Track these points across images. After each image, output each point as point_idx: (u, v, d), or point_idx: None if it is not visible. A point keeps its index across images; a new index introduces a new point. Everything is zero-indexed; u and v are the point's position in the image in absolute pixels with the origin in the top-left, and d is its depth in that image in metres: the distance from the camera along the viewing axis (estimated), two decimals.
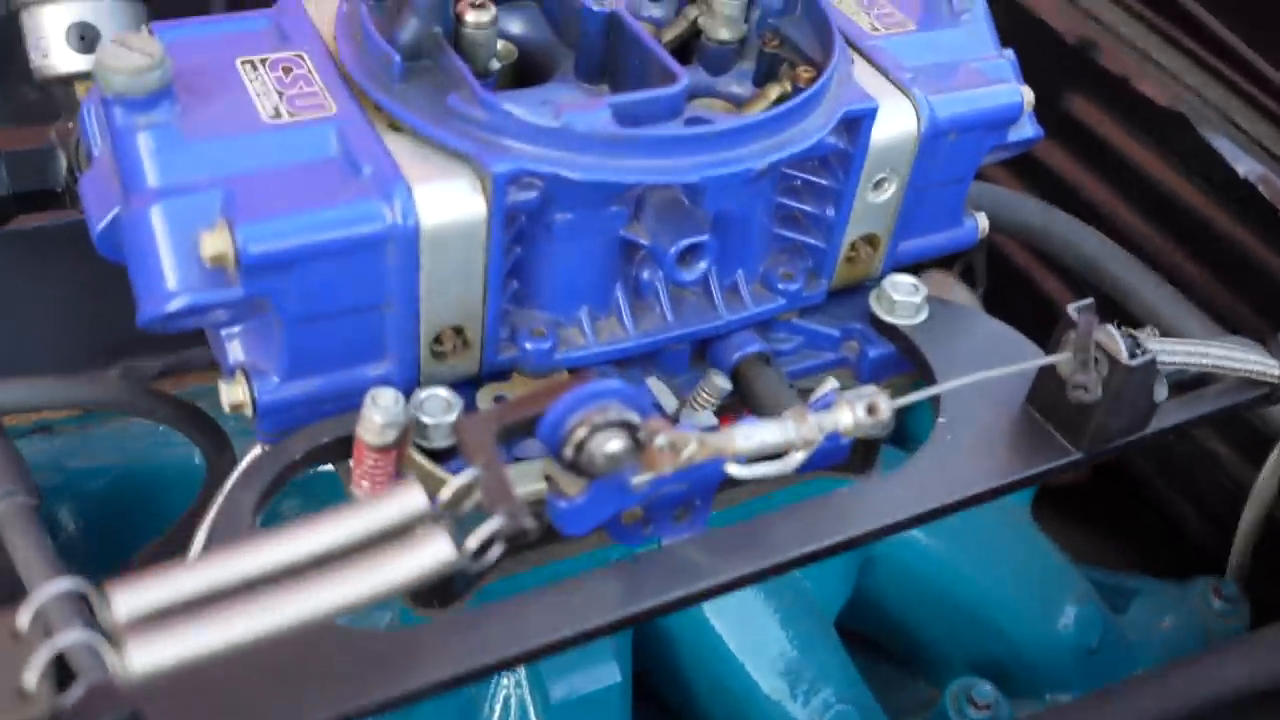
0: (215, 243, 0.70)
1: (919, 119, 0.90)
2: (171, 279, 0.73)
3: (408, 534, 0.64)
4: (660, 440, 0.71)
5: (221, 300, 0.73)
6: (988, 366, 0.90)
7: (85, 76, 1.10)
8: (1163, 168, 1.36)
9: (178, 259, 0.73)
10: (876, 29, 0.97)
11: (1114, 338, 0.82)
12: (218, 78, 0.80)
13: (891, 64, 0.92)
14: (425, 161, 0.76)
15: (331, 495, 0.78)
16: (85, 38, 1.08)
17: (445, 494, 0.66)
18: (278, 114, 0.78)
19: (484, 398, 0.85)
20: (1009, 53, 1.01)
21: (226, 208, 0.73)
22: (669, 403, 0.87)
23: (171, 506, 1.13)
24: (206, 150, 0.75)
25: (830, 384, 0.84)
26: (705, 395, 0.87)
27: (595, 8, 0.85)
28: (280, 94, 0.79)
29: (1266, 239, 1.27)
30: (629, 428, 0.70)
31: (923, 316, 0.96)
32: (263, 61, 0.82)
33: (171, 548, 1.03)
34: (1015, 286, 1.55)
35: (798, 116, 0.82)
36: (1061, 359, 0.85)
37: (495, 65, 0.84)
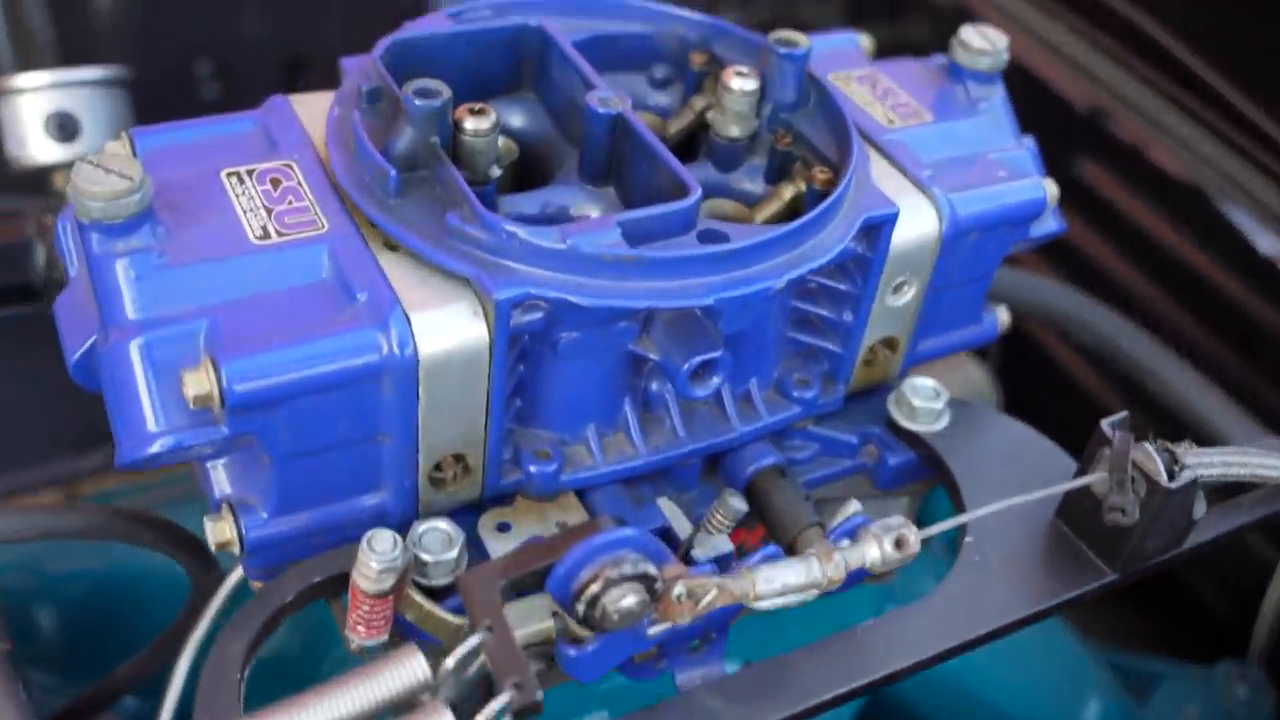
0: (199, 382, 0.66)
1: (940, 220, 0.86)
2: (152, 420, 0.68)
3: (411, 709, 0.59)
4: (678, 589, 0.67)
5: (206, 441, 0.68)
6: (1014, 476, 0.86)
7: (65, 167, 1.06)
8: (1178, 239, 1.32)
9: (159, 398, 0.68)
10: (892, 121, 0.92)
11: (1152, 457, 0.78)
12: (202, 193, 0.75)
13: (910, 161, 0.88)
14: (423, 285, 0.72)
15: None
16: (65, 127, 1.04)
17: (449, 662, 0.61)
18: (266, 234, 0.73)
19: (486, 525, 0.80)
20: (1029, 141, 0.97)
21: (210, 342, 0.68)
22: (682, 526, 0.82)
23: (153, 613, 1.08)
24: (189, 277, 0.70)
25: (853, 506, 0.80)
26: (720, 518, 0.82)
27: (601, 110, 0.81)
28: (269, 210, 0.75)
29: None
30: (645, 580, 0.66)
31: (944, 423, 0.91)
32: (250, 173, 0.78)
33: (154, 663, 0.99)
34: (1028, 355, 1.50)
35: (816, 228, 0.77)
36: (1096, 479, 0.80)
37: (496, 172, 0.80)
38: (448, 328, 0.71)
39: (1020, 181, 0.90)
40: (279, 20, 1.80)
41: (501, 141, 0.88)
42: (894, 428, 0.92)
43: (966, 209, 0.87)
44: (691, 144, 0.93)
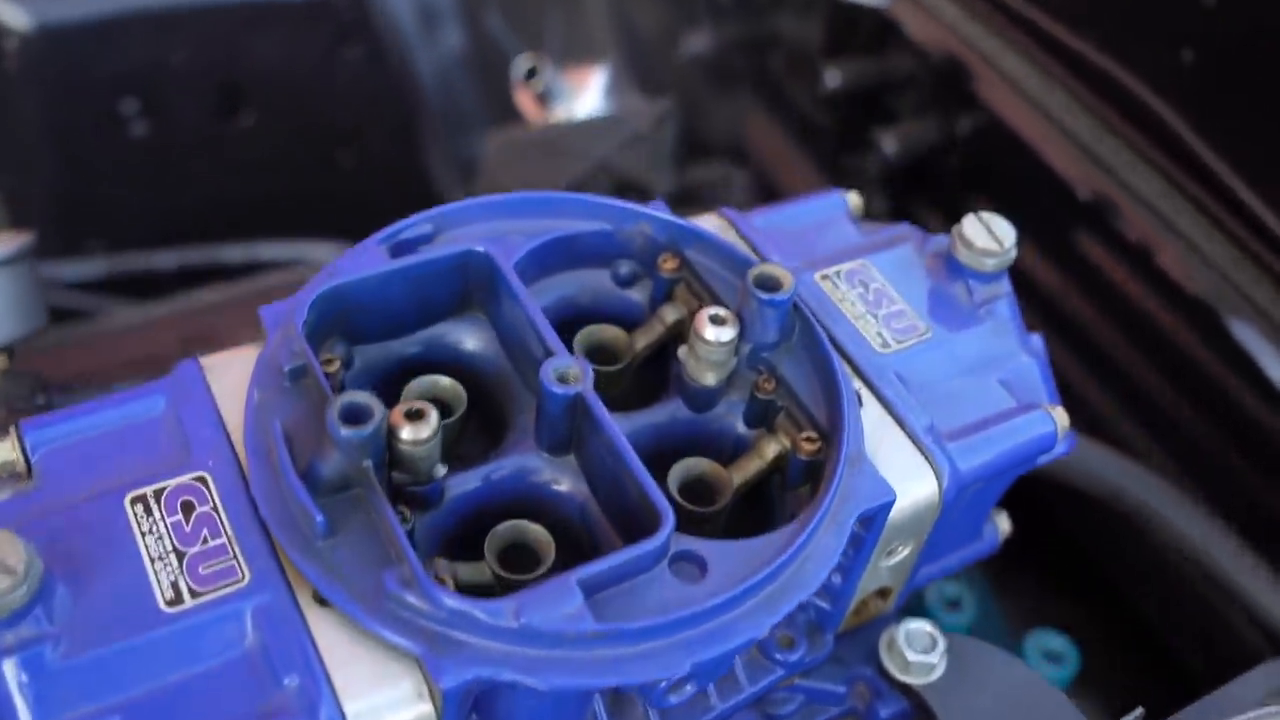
0: None
1: (941, 483, 0.77)
2: None
3: None
4: None
5: None
6: None
7: None
8: (1189, 338, 1.23)
9: None
10: (887, 344, 0.83)
11: None
12: (103, 534, 0.66)
13: (907, 409, 0.78)
14: (358, 659, 0.63)
15: None
16: None
17: None
18: (178, 595, 0.64)
19: None
20: (1036, 342, 0.87)
21: None
22: None
23: None
24: (92, 670, 0.61)
25: None
26: None
27: (558, 391, 0.71)
28: (180, 555, 0.66)
29: None
30: None
31: (940, 672, 0.84)
32: (158, 496, 0.68)
33: None
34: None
35: (799, 555, 0.68)
36: None
37: (441, 471, 0.70)
38: (388, 714, 0.62)
39: (1028, 416, 0.81)
40: (207, 50, 1.65)
41: (448, 385, 0.79)
42: (885, 676, 0.85)
43: (969, 463, 0.78)
44: (660, 359, 0.83)
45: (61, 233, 1.64)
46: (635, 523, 0.69)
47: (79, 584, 0.64)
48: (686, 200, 1.50)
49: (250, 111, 1.70)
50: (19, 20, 1.52)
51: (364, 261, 0.77)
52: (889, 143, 1.43)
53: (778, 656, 0.81)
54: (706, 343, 0.76)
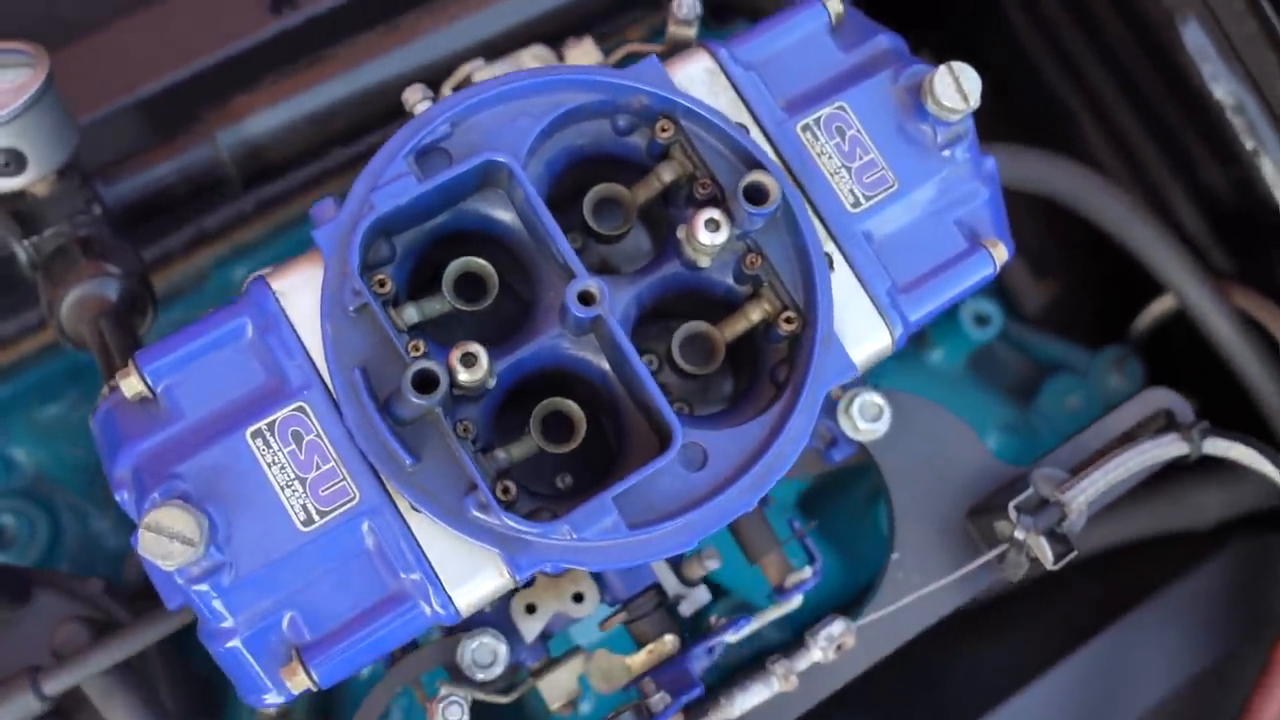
0: (296, 681, 0.84)
1: (893, 337, 0.94)
2: (267, 688, 0.86)
3: None
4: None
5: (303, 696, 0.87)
6: (940, 483, 1.06)
7: (14, 197, 1.05)
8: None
9: (267, 676, 0.85)
10: (858, 202, 0.94)
11: (1044, 548, 0.97)
12: (237, 472, 0.84)
13: (873, 270, 0.93)
14: (455, 555, 0.85)
15: None
16: (9, 165, 1.01)
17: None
18: (309, 517, 0.84)
19: (517, 607, 1.01)
20: (990, 166, 0.99)
21: (294, 634, 0.84)
22: (671, 584, 1.04)
23: None
24: (257, 583, 0.84)
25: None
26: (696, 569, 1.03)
27: (580, 314, 0.85)
28: (302, 481, 0.85)
29: None
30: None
31: (883, 430, 1.06)
32: (271, 429, 0.85)
33: None
34: None
35: (780, 435, 0.88)
36: (991, 559, 1.01)
37: (491, 384, 0.86)
38: (479, 590, 0.86)
39: (971, 259, 0.95)
40: None
41: (480, 263, 0.92)
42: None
43: (917, 313, 0.94)
44: (659, 207, 0.95)
45: None
46: None
47: (232, 520, 0.83)
48: None
49: None
50: None
51: (399, 186, 0.86)
52: None
53: None
54: (701, 244, 0.88)
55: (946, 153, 0.96)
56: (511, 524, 0.83)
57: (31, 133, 1.00)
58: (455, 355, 0.83)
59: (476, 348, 0.83)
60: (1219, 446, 1.05)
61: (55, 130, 1.01)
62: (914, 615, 1.05)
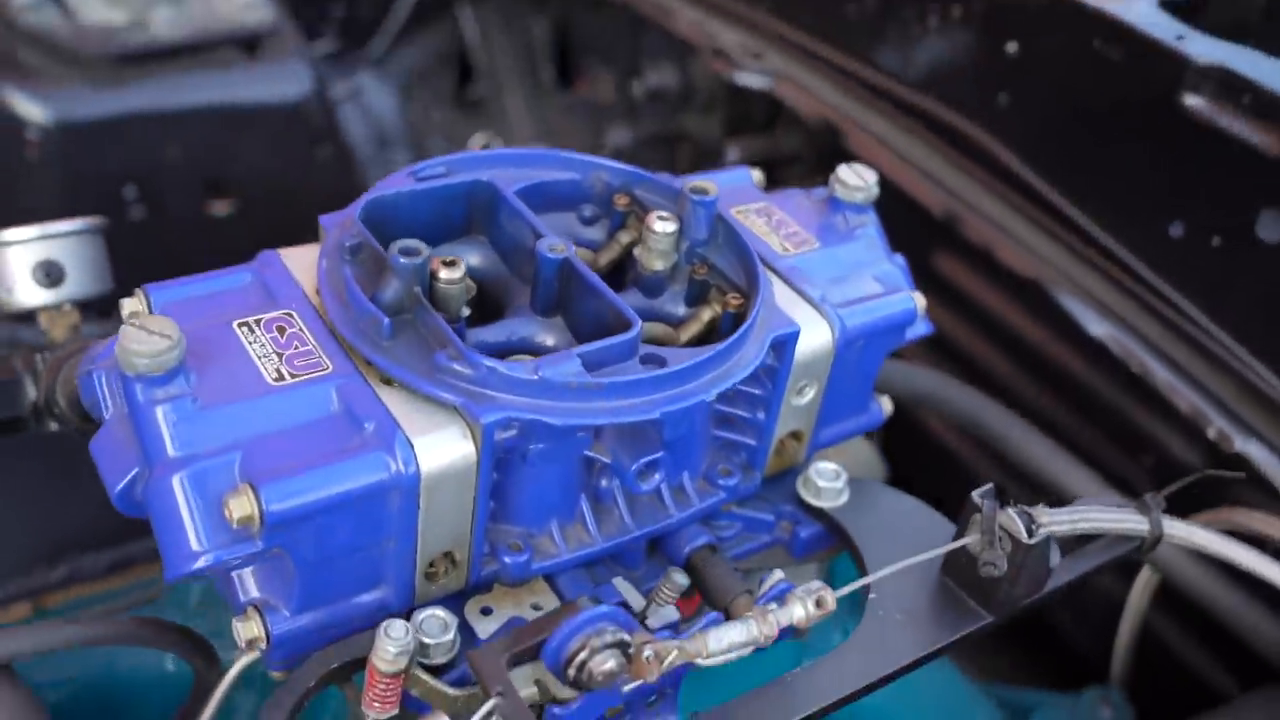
0: (241, 505, 0.79)
1: (833, 333, 1.03)
2: (195, 541, 0.80)
3: None
4: (647, 652, 0.82)
5: (242, 555, 0.81)
6: (906, 541, 1.03)
7: (50, 309, 1.17)
8: (1028, 324, 1.54)
9: (201, 522, 0.80)
10: (786, 249, 1.10)
11: (1014, 520, 0.96)
12: (220, 343, 0.88)
13: (804, 284, 1.06)
14: (419, 414, 0.86)
15: None
16: (50, 274, 1.15)
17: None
18: (281, 376, 0.87)
19: (471, 609, 0.94)
20: (899, 259, 1.16)
21: (245, 471, 0.81)
22: (636, 601, 0.97)
23: (140, 715, 1.18)
24: (220, 418, 0.83)
25: (777, 575, 0.96)
26: (667, 592, 0.97)
27: (550, 255, 0.97)
28: (279, 355, 0.88)
29: (1118, 387, 1.46)
30: (621, 645, 0.81)
31: (845, 499, 1.08)
32: (257, 322, 0.91)
33: None
34: (911, 435, 1.69)
35: (736, 348, 0.94)
36: (970, 540, 0.98)
37: (466, 311, 0.95)
38: (442, 448, 0.85)
39: (895, 295, 1.09)
40: (196, 147, 1.93)
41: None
42: (803, 505, 1.09)
43: (853, 321, 1.05)
44: (619, 272, 1.09)
45: None
46: None
47: (206, 370, 0.86)
48: None
49: (234, 201, 1.96)
50: (39, 115, 1.79)
51: (397, 183, 1.03)
52: None
53: (719, 482, 1.04)
54: (655, 234, 1.03)
55: (858, 232, 1.15)
56: (481, 363, 0.86)
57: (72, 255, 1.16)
58: (437, 260, 0.93)
59: (457, 256, 0.94)
60: None
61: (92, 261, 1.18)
62: (900, 643, 0.97)
